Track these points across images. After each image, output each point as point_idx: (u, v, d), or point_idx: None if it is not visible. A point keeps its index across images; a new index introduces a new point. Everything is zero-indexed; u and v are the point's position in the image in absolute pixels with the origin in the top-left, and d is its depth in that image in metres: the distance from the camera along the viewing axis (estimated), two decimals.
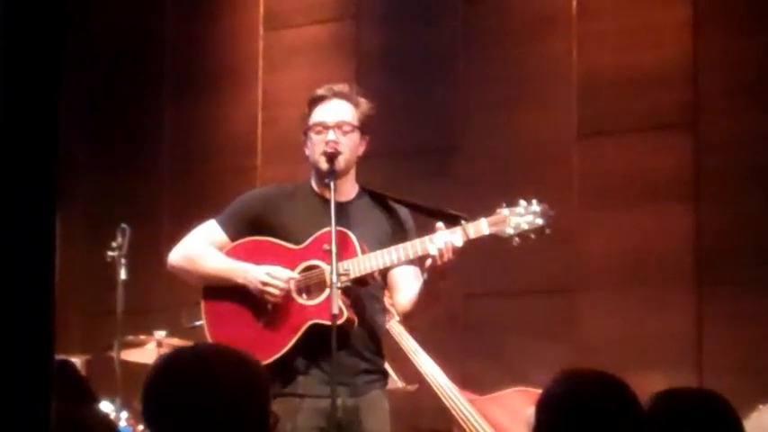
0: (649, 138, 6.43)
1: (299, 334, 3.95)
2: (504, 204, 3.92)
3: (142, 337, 6.16)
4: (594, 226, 6.48)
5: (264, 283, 3.98)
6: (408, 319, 4.28)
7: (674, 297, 6.23)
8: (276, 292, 3.98)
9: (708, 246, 6.22)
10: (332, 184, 3.94)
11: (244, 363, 2.34)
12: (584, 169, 6.56)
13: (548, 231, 3.93)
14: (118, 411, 5.79)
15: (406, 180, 6.28)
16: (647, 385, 2.74)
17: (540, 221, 3.91)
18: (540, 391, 2.64)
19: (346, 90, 4.17)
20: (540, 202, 3.94)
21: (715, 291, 6.15)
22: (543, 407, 2.57)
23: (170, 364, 2.33)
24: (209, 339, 4.10)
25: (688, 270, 6.25)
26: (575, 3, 6.72)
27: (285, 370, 3.96)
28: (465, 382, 5.43)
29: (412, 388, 5.48)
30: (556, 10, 6.79)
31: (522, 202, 3.93)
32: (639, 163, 6.43)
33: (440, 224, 3.87)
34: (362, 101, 4.17)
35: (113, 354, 5.93)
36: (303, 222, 4.06)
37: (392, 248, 3.92)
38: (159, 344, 6.10)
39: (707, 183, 6.27)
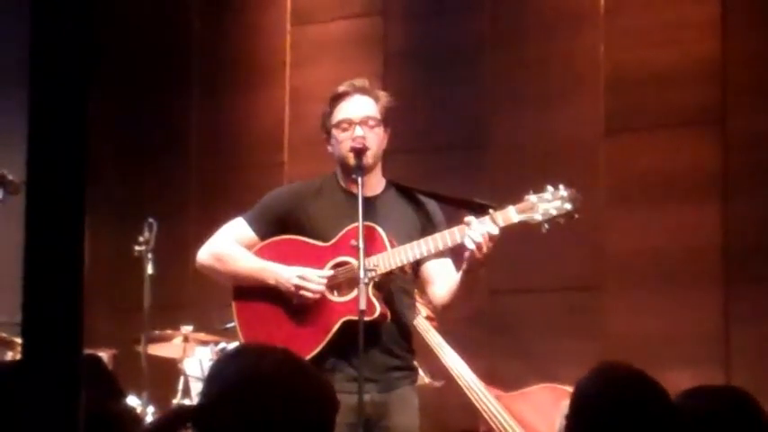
0: (677, 135, 6.40)
1: (333, 332, 3.95)
2: (532, 191, 3.90)
3: (169, 331, 6.19)
4: (622, 223, 6.46)
5: (298, 287, 3.98)
6: (446, 311, 4.24)
7: (701, 295, 6.20)
8: (310, 295, 3.98)
9: (735, 243, 6.19)
10: (359, 180, 3.94)
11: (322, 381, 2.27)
12: (611, 166, 6.54)
13: (576, 216, 3.91)
14: (145, 406, 5.81)
15: (432, 176, 6.26)
16: (675, 383, 2.72)
17: (568, 206, 3.89)
18: (566, 387, 2.61)
19: (367, 85, 4.18)
20: (567, 186, 3.92)
21: (743, 288, 6.12)
22: (577, 404, 2.53)
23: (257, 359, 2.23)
24: (242, 340, 4.08)
25: (715, 268, 6.22)
26: None
27: (317, 368, 3.95)
28: (491, 378, 5.42)
29: (438, 384, 5.48)
30: (583, 6, 6.77)
31: (550, 188, 3.91)
32: (667, 160, 6.40)
33: (469, 218, 3.84)
34: (382, 94, 4.19)
35: (140, 348, 5.95)
36: (331, 218, 4.06)
37: (421, 241, 3.91)
38: (186, 338, 6.13)
39: (735, 180, 6.24)
